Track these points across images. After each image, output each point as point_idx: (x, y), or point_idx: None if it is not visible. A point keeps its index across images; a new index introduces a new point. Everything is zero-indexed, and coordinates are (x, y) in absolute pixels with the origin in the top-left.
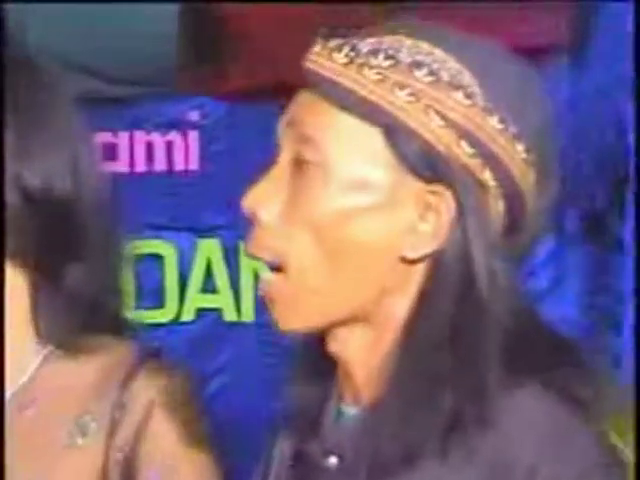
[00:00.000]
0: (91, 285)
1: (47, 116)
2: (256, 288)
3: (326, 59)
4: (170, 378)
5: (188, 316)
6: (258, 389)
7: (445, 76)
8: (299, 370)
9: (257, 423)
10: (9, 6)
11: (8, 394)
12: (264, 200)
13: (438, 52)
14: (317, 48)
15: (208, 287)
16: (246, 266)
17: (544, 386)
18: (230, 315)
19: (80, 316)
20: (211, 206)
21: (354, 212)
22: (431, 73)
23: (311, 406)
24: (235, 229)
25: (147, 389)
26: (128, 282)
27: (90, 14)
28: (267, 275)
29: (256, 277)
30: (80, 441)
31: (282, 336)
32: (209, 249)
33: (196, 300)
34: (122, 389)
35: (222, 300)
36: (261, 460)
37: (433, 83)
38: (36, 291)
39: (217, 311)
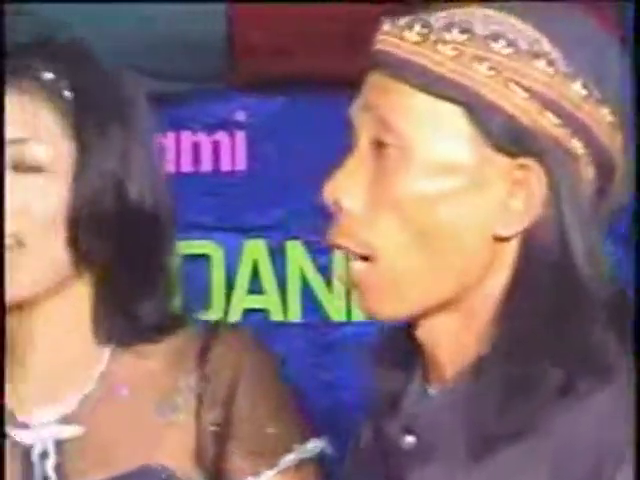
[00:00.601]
0: (155, 307)
1: (142, 134)
2: (303, 288)
3: (397, 38)
4: (249, 344)
5: (235, 316)
6: (305, 388)
7: (523, 45)
8: (384, 353)
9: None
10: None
11: (86, 391)
12: (346, 188)
13: (513, 21)
14: (386, 27)
15: (254, 288)
16: (292, 266)
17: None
18: (277, 315)
19: (137, 320)
20: (257, 206)
21: (441, 196)
22: (509, 44)
23: (394, 388)
24: (281, 229)
25: (227, 357)
26: (178, 288)
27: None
28: (356, 264)
29: (303, 277)
30: (172, 417)
31: (329, 336)
32: (255, 250)
33: (243, 301)
34: (201, 362)
35: (269, 300)
36: (352, 442)
37: (512, 54)
38: (98, 300)
39: (264, 311)
